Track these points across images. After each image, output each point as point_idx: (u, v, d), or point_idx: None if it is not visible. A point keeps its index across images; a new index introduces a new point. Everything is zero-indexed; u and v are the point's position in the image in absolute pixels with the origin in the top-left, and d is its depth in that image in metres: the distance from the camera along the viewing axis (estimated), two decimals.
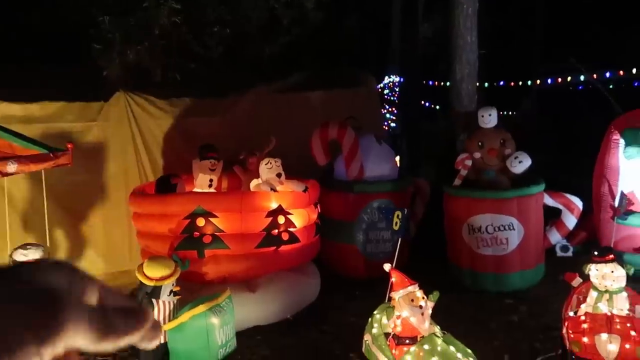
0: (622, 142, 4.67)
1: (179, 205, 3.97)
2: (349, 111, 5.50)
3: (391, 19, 10.25)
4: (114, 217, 5.06)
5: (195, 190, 4.70)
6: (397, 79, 11.16)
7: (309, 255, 4.43)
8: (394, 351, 2.93)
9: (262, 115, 5.74)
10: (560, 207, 4.79)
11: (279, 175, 4.28)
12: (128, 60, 5.79)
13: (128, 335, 0.47)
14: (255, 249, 3.96)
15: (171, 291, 3.52)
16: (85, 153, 5.01)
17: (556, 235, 4.91)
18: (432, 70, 10.46)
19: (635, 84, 8.12)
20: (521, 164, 4.64)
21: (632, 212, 4.46)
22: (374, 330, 3.07)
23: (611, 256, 3.25)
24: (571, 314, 3.30)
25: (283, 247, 4.04)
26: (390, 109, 10.94)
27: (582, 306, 3.24)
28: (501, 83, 9.41)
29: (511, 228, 4.49)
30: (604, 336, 3.02)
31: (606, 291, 3.19)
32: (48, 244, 4.33)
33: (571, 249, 5.26)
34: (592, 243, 4.86)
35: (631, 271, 3.24)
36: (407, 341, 2.90)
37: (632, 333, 3.00)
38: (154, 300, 3.46)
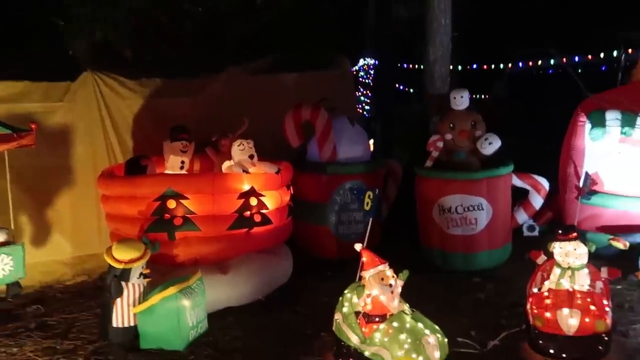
0: (588, 124, 4.78)
1: (149, 187, 3.91)
2: (323, 93, 5.47)
3: (366, 1, 10.19)
4: (81, 200, 4.97)
5: (167, 172, 4.64)
6: (372, 62, 11.15)
7: (281, 237, 4.44)
8: (364, 329, 2.98)
9: (235, 96, 5.68)
10: (528, 187, 4.89)
11: (251, 156, 4.25)
12: (95, 38, 5.62)
13: None
14: (227, 231, 3.94)
15: (141, 274, 3.50)
16: (51, 135, 4.88)
17: (523, 215, 5.03)
18: (407, 53, 10.46)
19: (603, 68, 8.30)
20: (491, 145, 4.72)
21: (595, 192, 4.59)
22: (345, 309, 3.12)
23: (574, 234, 3.36)
24: (535, 290, 3.41)
25: (255, 229, 4.04)
26: (365, 92, 10.94)
27: (546, 283, 3.36)
28: (474, 66, 9.49)
29: (480, 208, 4.58)
30: (566, 311, 3.14)
31: (569, 268, 3.30)
32: (12, 227, 4.24)
33: (537, 228, 5.39)
34: (557, 222, 5.01)
35: (593, 249, 3.36)
36: (377, 319, 2.96)
37: (592, 307, 3.12)
38: (123, 283, 3.44)
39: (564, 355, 3.13)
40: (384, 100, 9.59)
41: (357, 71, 10.92)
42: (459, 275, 4.58)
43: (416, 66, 9.15)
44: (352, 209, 5.00)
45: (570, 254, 3.30)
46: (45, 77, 4.97)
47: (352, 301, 3.11)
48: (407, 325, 2.87)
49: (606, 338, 3.15)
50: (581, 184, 4.47)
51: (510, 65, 9.73)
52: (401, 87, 11.41)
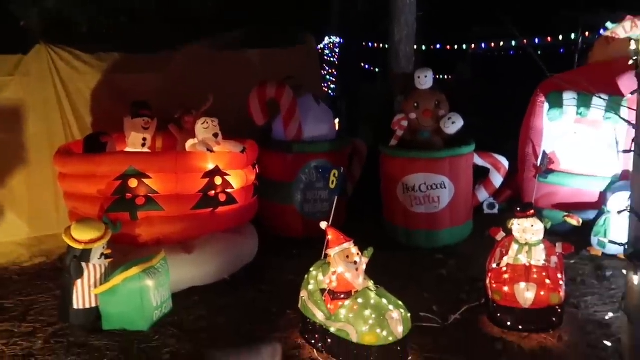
0: (546, 104, 4.92)
1: (109, 166, 3.79)
2: (288, 71, 5.41)
3: None
4: (38, 179, 4.76)
5: (128, 149, 4.51)
6: (338, 40, 11.07)
7: (246, 216, 4.41)
8: (329, 306, 3.02)
9: (198, 72, 5.53)
10: (489, 166, 5.02)
11: (215, 135, 4.18)
12: (48, 8, 5.33)
13: None
14: (191, 211, 3.89)
15: (102, 254, 3.42)
16: (2, 110, 4.64)
17: (484, 193, 5.17)
18: (372, 31, 10.43)
19: (561, 51, 8.53)
20: (454, 124, 4.80)
21: (552, 171, 4.75)
22: (310, 287, 3.15)
23: (532, 212, 3.49)
24: (494, 266, 3.53)
25: (220, 209, 4.00)
26: (330, 70, 10.88)
27: (505, 258, 3.48)
28: (438, 46, 9.57)
29: (443, 187, 4.68)
30: (522, 285, 3.27)
31: (526, 244, 3.43)
32: None
33: (497, 206, 5.57)
34: (516, 200, 5.18)
35: (549, 225, 3.49)
36: (342, 296, 3.01)
37: (547, 281, 3.27)
38: (83, 264, 3.35)
39: (520, 327, 3.28)
40: (349, 79, 9.57)
41: (322, 49, 10.83)
42: (422, 252, 4.69)
43: (381, 45, 9.14)
44: (318, 187, 5.01)
45: (527, 230, 3.43)
46: None
47: (317, 279, 3.14)
48: (372, 302, 2.93)
49: (559, 310, 3.31)
50: (539, 163, 4.63)
51: (473, 45, 9.86)
52: (366, 66, 11.40)
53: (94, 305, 3.41)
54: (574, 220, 3.61)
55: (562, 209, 4.69)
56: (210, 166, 3.94)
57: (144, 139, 4.48)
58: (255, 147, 4.45)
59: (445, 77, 10.80)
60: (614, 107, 4.37)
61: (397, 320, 2.87)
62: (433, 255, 4.62)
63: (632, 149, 2.01)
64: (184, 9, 6.79)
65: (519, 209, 3.52)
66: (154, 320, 3.42)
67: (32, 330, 3.41)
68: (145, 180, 3.74)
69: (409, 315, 2.98)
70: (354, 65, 9.78)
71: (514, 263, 3.40)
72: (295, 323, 3.36)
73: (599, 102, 4.48)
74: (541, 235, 3.44)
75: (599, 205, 4.70)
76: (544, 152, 4.62)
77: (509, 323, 3.30)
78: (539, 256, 3.39)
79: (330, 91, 10.55)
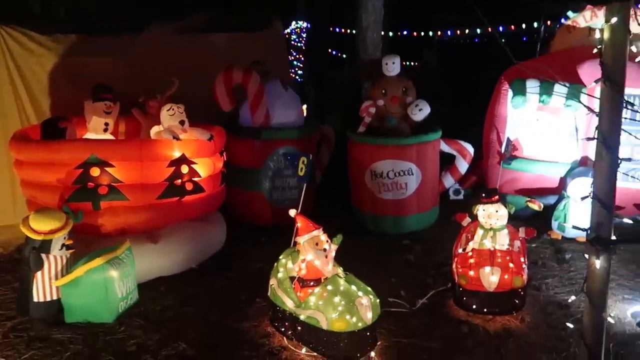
0: (510, 92, 5.01)
1: (69, 153, 3.63)
2: (255, 55, 5.31)
3: None
4: None
5: (88, 135, 4.35)
6: (305, 25, 10.97)
7: (214, 204, 4.34)
8: (298, 293, 3.02)
9: (163, 56, 5.36)
10: (455, 153, 5.10)
11: (182, 122, 4.05)
12: None
13: None
14: (157, 200, 3.79)
15: (63, 245, 3.31)
16: None
17: (450, 179, 5.26)
18: (340, 17, 10.38)
19: (524, 39, 8.70)
20: (421, 111, 4.84)
21: (515, 157, 4.87)
22: (280, 275, 3.13)
23: (496, 197, 3.56)
24: (460, 250, 3.60)
25: (187, 198, 3.92)
26: (297, 56, 10.78)
27: (470, 243, 3.55)
28: (405, 33, 9.61)
29: (410, 173, 4.72)
30: (487, 269, 3.35)
31: (491, 229, 3.51)
32: None
33: (463, 192, 5.68)
34: (481, 186, 5.29)
35: (512, 210, 3.58)
36: (312, 283, 3.00)
37: (511, 265, 3.35)
38: (43, 255, 3.23)
39: (485, 310, 3.36)
40: (316, 65, 9.51)
41: (289, 34, 10.71)
42: (389, 238, 4.75)
43: (349, 31, 9.11)
44: (286, 174, 4.98)
45: (492, 215, 3.51)
46: None
47: (286, 266, 3.13)
48: (341, 288, 2.94)
49: (522, 293, 3.41)
50: (503, 150, 4.73)
51: (439, 32, 9.95)
52: (334, 52, 11.35)
53: (55, 297, 3.30)
54: (536, 205, 3.72)
55: (525, 194, 4.82)
56: (177, 154, 3.84)
57: (106, 124, 4.34)
58: (223, 134, 4.37)
59: (412, 64, 10.87)
60: (574, 94, 4.49)
61: (367, 307, 2.89)
62: (400, 241, 4.68)
63: (595, 136, 2.06)
64: None
65: (484, 194, 3.60)
66: (120, 312, 3.34)
67: None
68: (108, 169, 3.61)
69: (378, 301, 3.01)
70: (321, 51, 9.72)
71: (479, 248, 3.48)
72: (264, 311, 3.34)
73: (560, 89, 4.60)
74: (505, 221, 3.53)
75: (559, 190, 4.86)
76: (508, 139, 4.72)
77: (474, 306, 3.38)
78: (503, 241, 3.48)
79: (297, 77, 10.47)
